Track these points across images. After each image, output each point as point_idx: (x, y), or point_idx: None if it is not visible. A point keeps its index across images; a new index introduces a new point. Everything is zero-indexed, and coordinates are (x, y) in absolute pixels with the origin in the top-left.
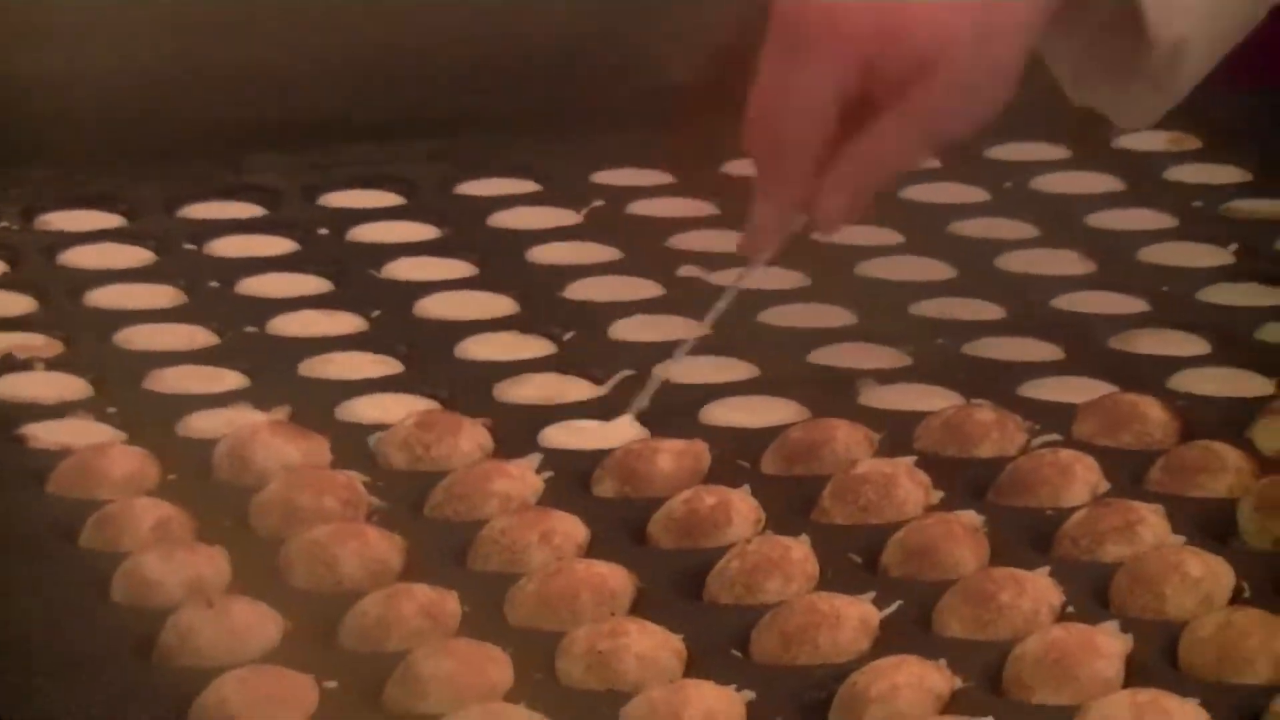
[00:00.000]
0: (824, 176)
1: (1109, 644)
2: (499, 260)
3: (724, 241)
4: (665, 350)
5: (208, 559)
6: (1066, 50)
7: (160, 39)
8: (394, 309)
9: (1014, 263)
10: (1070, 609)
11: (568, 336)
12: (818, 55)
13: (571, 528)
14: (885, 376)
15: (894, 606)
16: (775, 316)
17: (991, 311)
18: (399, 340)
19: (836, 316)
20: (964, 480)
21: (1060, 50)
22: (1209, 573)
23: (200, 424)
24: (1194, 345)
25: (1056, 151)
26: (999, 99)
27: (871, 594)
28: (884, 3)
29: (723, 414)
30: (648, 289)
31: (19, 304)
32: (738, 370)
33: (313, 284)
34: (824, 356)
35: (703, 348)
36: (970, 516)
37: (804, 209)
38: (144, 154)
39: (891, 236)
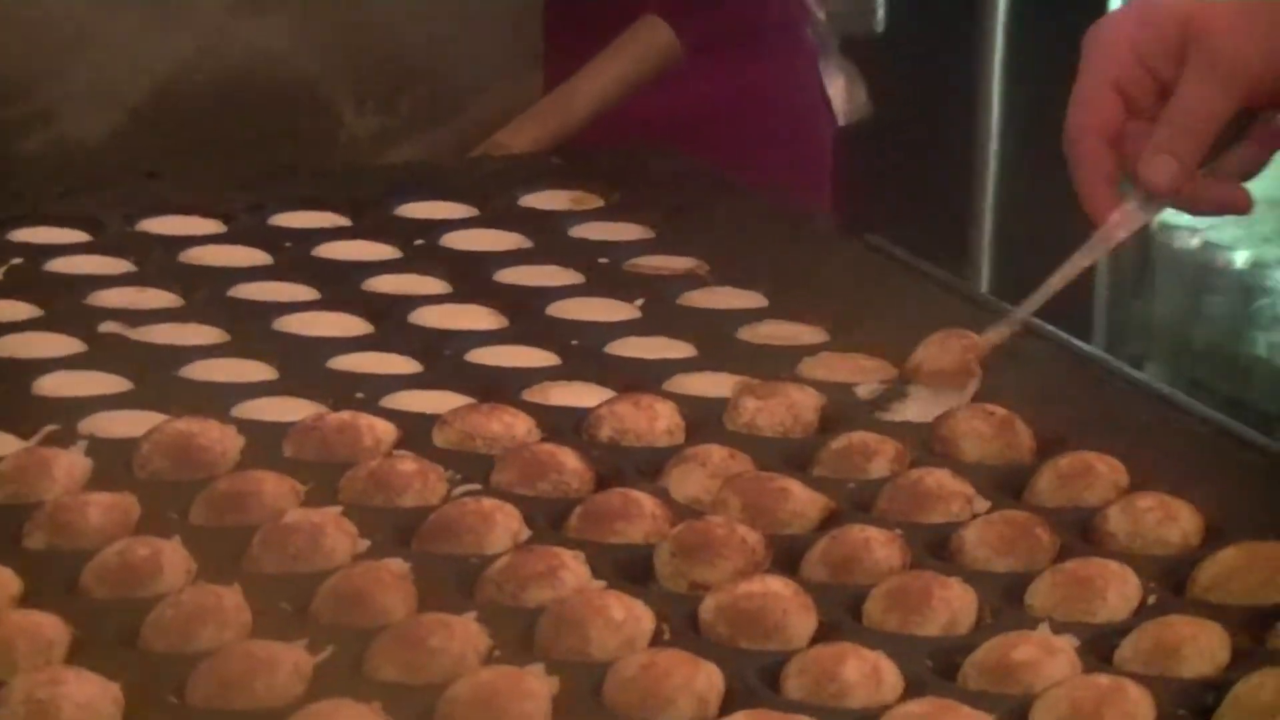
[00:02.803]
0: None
1: (536, 685)
2: None
3: (144, 298)
4: (97, 403)
5: None
6: None
7: None
8: None
9: (428, 317)
10: (498, 652)
11: None
12: (1092, 54)
13: (5, 579)
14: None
15: (327, 652)
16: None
17: (408, 365)
18: None
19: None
20: (389, 529)
21: None
22: (630, 615)
23: None
24: (604, 396)
25: (464, 209)
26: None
27: (304, 640)
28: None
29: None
30: (70, 345)
31: None
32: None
33: None
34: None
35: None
36: (398, 564)
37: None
38: None
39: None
